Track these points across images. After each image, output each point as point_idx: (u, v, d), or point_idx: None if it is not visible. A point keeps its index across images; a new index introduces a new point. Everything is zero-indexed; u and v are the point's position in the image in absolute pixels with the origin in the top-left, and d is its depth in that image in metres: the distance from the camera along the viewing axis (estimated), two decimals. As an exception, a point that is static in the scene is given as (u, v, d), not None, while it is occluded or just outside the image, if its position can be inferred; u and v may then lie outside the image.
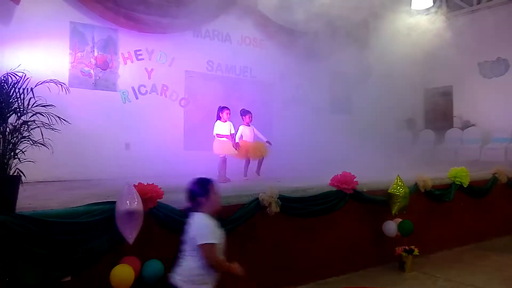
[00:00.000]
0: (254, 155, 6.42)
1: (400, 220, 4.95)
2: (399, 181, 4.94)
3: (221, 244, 2.62)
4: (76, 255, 3.04)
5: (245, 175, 6.46)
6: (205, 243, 2.51)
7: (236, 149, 6.16)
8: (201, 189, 2.66)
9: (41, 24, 6.55)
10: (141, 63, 7.67)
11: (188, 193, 2.70)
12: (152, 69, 7.78)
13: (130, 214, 3.07)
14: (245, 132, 6.43)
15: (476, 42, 10.53)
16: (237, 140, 6.30)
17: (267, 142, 6.55)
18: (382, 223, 4.98)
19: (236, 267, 2.62)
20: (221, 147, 6.10)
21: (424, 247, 5.15)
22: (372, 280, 4.56)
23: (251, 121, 6.53)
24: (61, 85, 5.06)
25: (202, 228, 2.56)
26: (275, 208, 4.07)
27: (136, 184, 3.37)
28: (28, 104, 4.63)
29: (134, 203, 3.10)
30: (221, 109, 6.22)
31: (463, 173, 5.94)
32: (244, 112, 6.53)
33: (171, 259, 3.47)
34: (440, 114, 11.66)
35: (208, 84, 8.41)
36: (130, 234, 3.12)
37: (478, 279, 4.54)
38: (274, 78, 9.42)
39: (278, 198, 4.12)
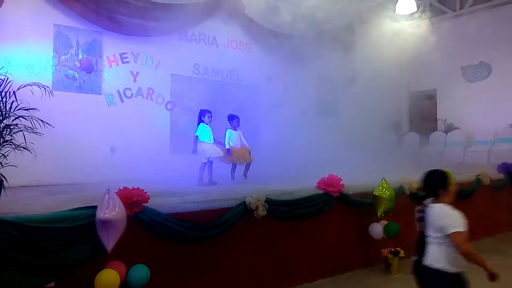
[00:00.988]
0: (240, 160, 6.44)
1: (386, 222, 4.99)
2: (385, 184, 4.99)
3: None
4: (59, 261, 2.99)
5: (232, 178, 6.45)
6: (457, 232, 2.63)
7: (228, 155, 6.19)
8: (441, 181, 2.81)
9: (24, 26, 6.44)
10: (126, 66, 7.60)
11: (428, 185, 2.87)
12: (137, 72, 7.72)
13: (105, 223, 2.99)
14: (232, 136, 6.43)
15: (459, 47, 10.77)
16: (226, 146, 6.30)
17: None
18: (369, 225, 5.01)
19: (490, 264, 2.68)
20: (205, 151, 6.08)
21: (410, 249, 5.18)
22: (359, 282, 4.59)
23: (238, 125, 6.54)
24: (45, 89, 5.01)
25: (450, 217, 2.69)
26: (262, 212, 4.06)
27: (122, 188, 3.33)
28: (11, 108, 4.57)
29: (110, 212, 2.99)
30: (203, 112, 6.21)
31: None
32: (231, 117, 6.54)
33: (157, 263, 3.46)
34: (424, 117, 11.84)
35: (194, 88, 8.40)
36: (108, 242, 3.05)
37: (462, 280, 4.59)
38: (260, 81, 9.44)
39: (265, 201, 4.11)
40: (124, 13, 7.28)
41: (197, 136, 6.06)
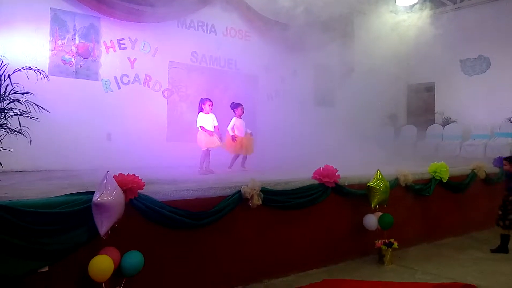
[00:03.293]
0: (246, 151, 6.45)
1: (380, 213, 5.02)
2: (380, 175, 5.00)
3: None
4: (53, 246, 2.98)
5: (230, 167, 6.45)
6: None
7: (233, 142, 6.20)
8: None
9: (20, 9, 6.36)
10: (123, 52, 7.54)
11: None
12: (135, 59, 7.66)
13: (98, 206, 2.98)
14: (237, 124, 6.41)
15: (458, 40, 10.74)
16: (230, 132, 6.28)
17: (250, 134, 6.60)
18: (363, 216, 5.03)
19: None
20: (206, 140, 6.06)
21: (403, 241, 5.24)
22: (352, 272, 4.61)
23: (243, 113, 6.50)
24: (40, 73, 4.97)
25: None
26: (257, 201, 4.06)
27: (117, 174, 3.32)
28: (5, 91, 4.53)
29: (104, 196, 2.98)
30: (203, 100, 6.17)
31: (443, 168, 6.05)
32: (235, 105, 6.51)
33: (151, 250, 3.47)
34: (422, 110, 11.85)
35: (192, 76, 8.35)
36: (101, 227, 3.04)
37: (455, 272, 4.63)
38: (258, 70, 9.39)
39: (260, 190, 4.11)
40: (123, -1, 7.20)
41: (202, 126, 6.02)
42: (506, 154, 7.53)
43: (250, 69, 9.24)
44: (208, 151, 6.07)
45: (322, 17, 8.19)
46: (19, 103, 4.53)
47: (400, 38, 9.24)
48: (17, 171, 5.75)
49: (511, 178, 5.49)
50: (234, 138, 6.26)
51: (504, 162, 5.60)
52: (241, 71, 9.13)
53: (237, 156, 6.51)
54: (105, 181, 3.06)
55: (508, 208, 5.39)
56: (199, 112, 6.15)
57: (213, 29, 8.78)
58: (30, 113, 4.49)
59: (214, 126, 6.14)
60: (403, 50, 9.18)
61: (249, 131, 6.59)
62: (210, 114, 6.14)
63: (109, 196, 3.01)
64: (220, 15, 8.74)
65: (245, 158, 6.55)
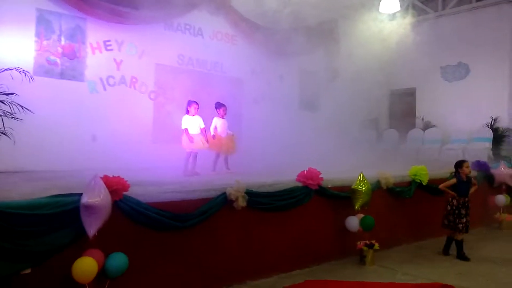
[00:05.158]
0: (226, 150, 6.49)
1: (362, 215, 5.12)
2: (362, 178, 5.11)
3: None
4: (36, 247, 2.98)
5: (214, 168, 6.49)
6: None
7: (209, 141, 6.22)
8: None
9: (5, 9, 6.30)
10: (110, 54, 7.52)
11: None
12: (121, 60, 7.65)
13: (87, 208, 3.01)
14: (218, 124, 6.49)
15: (439, 47, 11.00)
16: (211, 132, 6.35)
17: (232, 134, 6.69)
18: (345, 218, 5.13)
19: None
20: (189, 143, 6.09)
21: (384, 242, 5.36)
22: (334, 273, 4.70)
23: (225, 114, 6.59)
24: (25, 74, 4.96)
25: None
26: (242, 203, 4.13)
27: (102, 176, 3.34)
28: (-11, 92, 4.50)
29: (93, 198, 3.02)
30: (189, 103, 6.21)
31: (423, 172, 6.21)
32: (218, 105, 6.61)
33: (136, 251, 3.50)
34: (403, 114, 12.08)
35: (178, 78, 8.36)
36: (90, 228, 3.07)
37: (434, 273, 4.76)
38: (244, 74, 9.47)
39: (245, 192, 4.18)
40: (109, 0, 7.19)
41: (186, 129, 6.05)
42: (483, 158, 7.77)
43: (236, 72, 9.31)
44: (194, 153, 6.10)
45: (308, 22, 8.32)
46: (3, 104, 4.51)
47: (383, 44, 9.43)
48: (1, 172, 5.68)
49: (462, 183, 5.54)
50: (214, 136, 6.33)
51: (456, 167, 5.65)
52: (227, 74, 9.18)
53: (218, 156, 6.56)
54: (93, 182, 3.09)
55: (456, 212, 5.47)
56: (185, 114, 6.19)
57: (200, 32, 8.82)
58: (14, 114, 4.47)
59: (201, 129, 6.18)
60: (386, 56, 9.36)
61: (230, 132, 6.66)
62: (196, 116, 6.18)
63: (97, 197, 3.04)
64: (207, 18, 8.80)
65: (226, 159, 6.60)
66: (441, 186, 5.67)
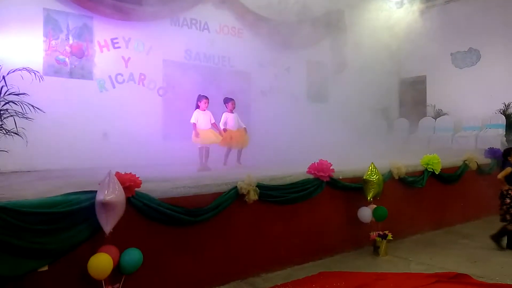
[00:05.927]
0: (236, 144, 6.49)
1: (374, 206, 5.09)
2: (373, 168, 5.07)
3: None
4: (53, 245, 3.02)
5: (225, 163, 6.50)
6: None
7: (223, 134, 6.23)
8: None
9: (13, 10, 6.35)
10: (117, 52, 7.56)
11: None
12: (129, 58, 7.68)
13: (104, 205, 3.04)
14: (228, 119, 6.48)
15: (449, 33, 10.82)
16: (221, 127, 6.36)
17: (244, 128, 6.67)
18: (357, 209, 5.11)
19: None
20: (201, 138, 6.10)
21: (397, 232, 5.33)
22: (348, 264, 4.69)
23: (234, 108, 6.58)
24: (35, 73, 5.00)
25: None
26: (253, 196, 4.13)
27: (114, 173, 3.36)
28: (0, 93, 4.56)
29: (109, 194, 3.05)
30: (200, 98, 6.22)
31: (435, 160, 6.14)
32: (227, 100, 6.61)
33: (149, 247, 3.52)
34: (414, 103, 11.94)
35: (186, 73, 8.36)
36: (106, 225, 3.11)
37: (448, 262, 4.72)
38: (252, 67, 9.43)
39: (256, 186, 4.18)
40: (115, -2, 7.21)
41: (194, 123, 6.06)
42: (496, 145, 7.65)
43: (243, 66, 9.27)
44: (207, 148, 6.12)
45: (314, 13, 8.24)
46: (14, 104, 4.55)
47: (391, 32, 9.31)
48: (14, 172, 5.76)
49: None
50: (224, 130, 6.33)
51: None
52: (234, 68, 9.16)
53: (229, 151, 6.56)
54: (107, 179, 3.11)
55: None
56: (195, 109, 6.20)
57: (206, 27, 8.80)
58: (25, 114, 4.52)
59: (212, 123, 6.19)
60: (395, 45, 9.24)
61: (243, 126, 6.65)
62: (207, 111, 6.19)
63: (113, 194, 3.08)
64: (212, 12, 8.78)
65: (239, 153, 6.61)
66: (499, 175, 5.24)
